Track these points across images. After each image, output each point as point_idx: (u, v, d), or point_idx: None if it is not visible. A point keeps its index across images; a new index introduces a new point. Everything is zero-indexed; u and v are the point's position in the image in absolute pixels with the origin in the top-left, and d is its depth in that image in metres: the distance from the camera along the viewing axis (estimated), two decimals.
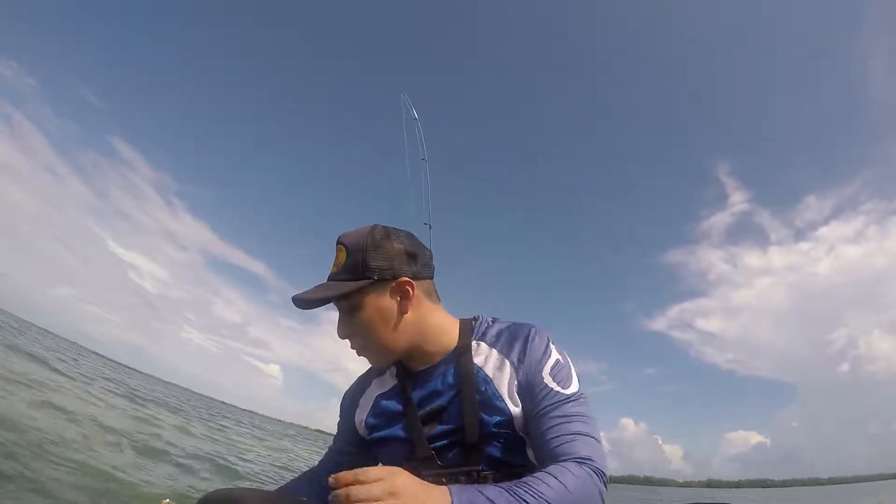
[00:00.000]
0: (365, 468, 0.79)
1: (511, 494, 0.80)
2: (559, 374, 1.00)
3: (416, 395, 1.08)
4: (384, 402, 1.13)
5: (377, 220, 1.08)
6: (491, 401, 1.00)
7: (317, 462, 1.29)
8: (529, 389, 0.99)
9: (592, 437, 0.93)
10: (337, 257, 1.05)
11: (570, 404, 0.96)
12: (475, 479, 0.98)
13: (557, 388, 0.98)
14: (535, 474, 0.85)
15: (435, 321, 1.09)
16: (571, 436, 0.91)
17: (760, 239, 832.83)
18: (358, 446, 1.22)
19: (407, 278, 1.03)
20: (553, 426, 0.93)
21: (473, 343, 1.07)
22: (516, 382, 1.01)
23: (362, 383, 1.23)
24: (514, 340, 1.05)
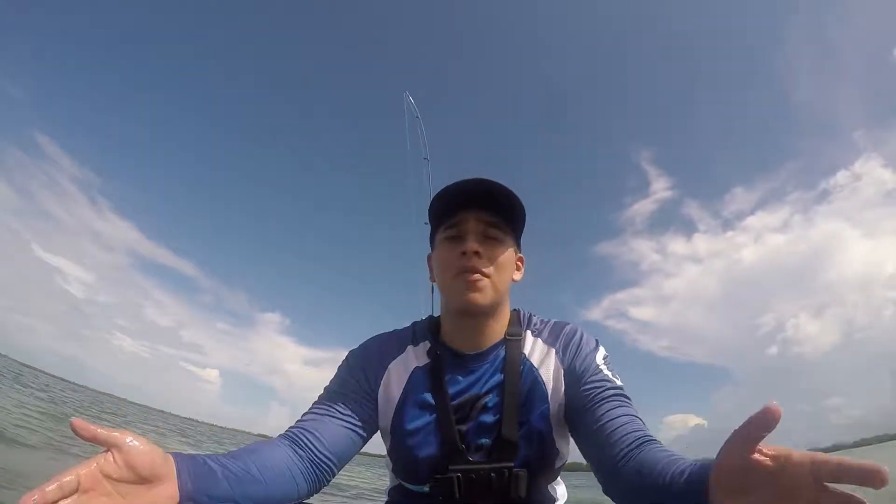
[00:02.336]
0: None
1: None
2: (611, 365, 0.98)
3: (456, 380, 0.98)
4: (420, 378, 1.00)
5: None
6: (534, 392, 0.97)
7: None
8: (582, 375, 0.95)
9: (642, 421, 0.90)
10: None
11: (622, 392, 0.93)
12: (507, 476, 0.92)
13: (612, 377, 0.95)
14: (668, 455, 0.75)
15: (507, 301, 1.06)
16: (631, 417, 0.87)
17: (686, 227, 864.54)
18: (365, 422, 0.99)
19: (521, 255, 1.08)
20: (614, 408, 0.89)
21: (523, 332, 1.04)
22: (563, 371, 0.98)
23: (395, 344, 1.05)
24: (559, 332, 1.04)
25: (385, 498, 1.15)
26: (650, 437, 0.82)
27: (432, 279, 1.06)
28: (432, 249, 1.06)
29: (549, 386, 0.97)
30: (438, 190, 1.01)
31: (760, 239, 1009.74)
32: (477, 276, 0.93)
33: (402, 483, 1.04)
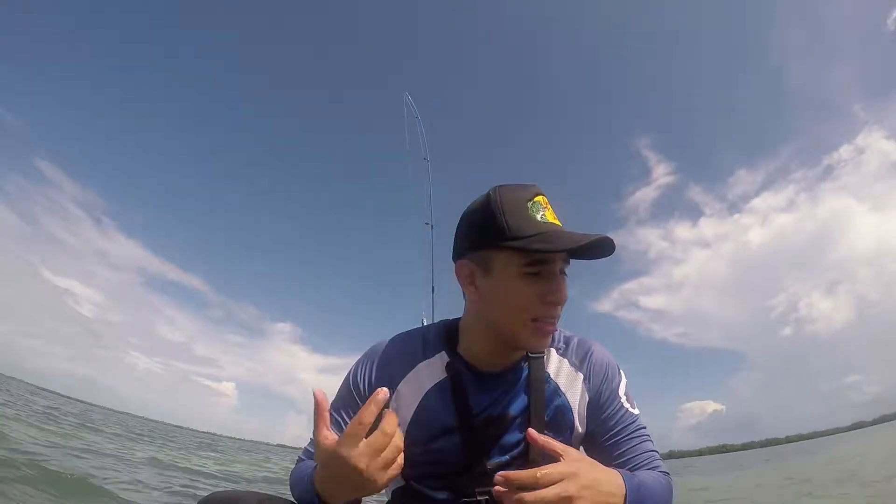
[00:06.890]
0: (546, 467, 0.71)
1: (652, 480, 0.86)
2: (630, 395, 1.00)
3: (477, 399, 0.94)
4: (435, 398, 0.95)
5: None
6: (562, 415, 0.96)
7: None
8: (605, 408, 0.97)
9: (658, 454, 0.97)
10: (549, 210, 0.89)
11: (640, 424, 0.97)
12: None
13: (631, 409, 0.98)
14: (646, 471, 0.90)
15: None
16: (649, 453, 0.94)
17: (692, 212, 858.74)
18: None
19: None
20: (634, 445, 0.94)
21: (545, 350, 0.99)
22: (588, 399, 0.97)
23: (406, 359, 0.99)
24: (585, 355, 1.00)
25: (386, 498, 1.10)
26: (650, 468, 0.92)
27: (466, 292, 0.94)
28: (462, 256, 0.93)
29: (576, 412, 0.96)
30: (520, 198, 0.87)
31: (767, 220, 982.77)
32: (555, 325, 0.89)
33: (412, 485, 0.99)
